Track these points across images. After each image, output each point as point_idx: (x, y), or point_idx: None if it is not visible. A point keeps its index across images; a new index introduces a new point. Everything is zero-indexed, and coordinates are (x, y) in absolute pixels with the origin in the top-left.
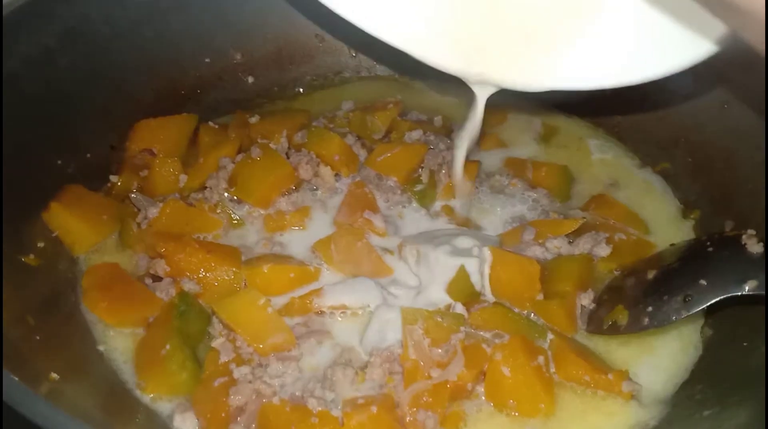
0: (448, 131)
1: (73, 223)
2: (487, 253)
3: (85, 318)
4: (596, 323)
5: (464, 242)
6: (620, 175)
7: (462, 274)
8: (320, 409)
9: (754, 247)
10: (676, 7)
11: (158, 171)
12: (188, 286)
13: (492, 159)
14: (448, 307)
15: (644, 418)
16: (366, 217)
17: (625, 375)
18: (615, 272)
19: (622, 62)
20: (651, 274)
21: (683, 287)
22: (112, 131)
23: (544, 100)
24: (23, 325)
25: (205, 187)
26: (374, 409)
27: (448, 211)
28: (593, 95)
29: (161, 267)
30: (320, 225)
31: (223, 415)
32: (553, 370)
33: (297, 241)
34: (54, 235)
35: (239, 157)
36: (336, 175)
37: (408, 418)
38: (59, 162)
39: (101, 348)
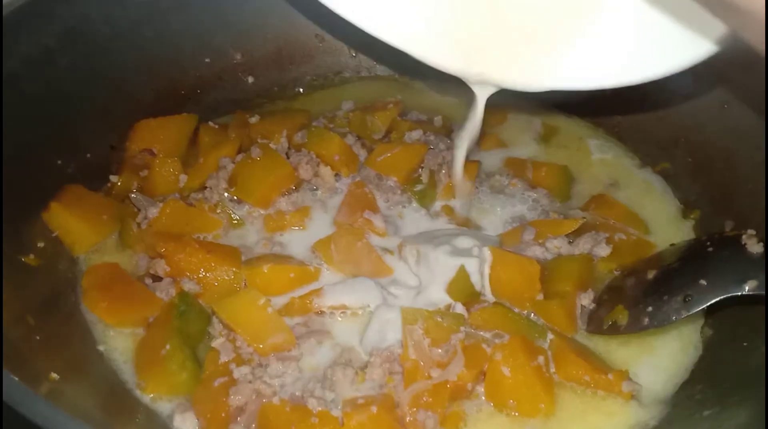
0: (448, 131)
1: (73, 223)
2: (487, 253)
3: (85, 318)
4: (596, 323)
5: (464, 242)
6: (620, 175)
7: (462, 274)
8: (320, 409)
9: (754, 247)
10: (676, 7)
11: (158, 171)
12: (188, 286)
13: (492, 159)
14: (448, 307)
15: (644, 418)
16: (366, 217)
17: (625, 375)
18: (615, 272)
19: (622, 62)
20: (651, 274)
21: (683, 287)
22: (112, 131)
23: (544, 100)
24: (23, 325)
25: (205, 187)
26: (374, 409)
27: (448, 211)
28: (593, 95)
29: (161, 267)
30: (320, 225)
31: (223, 415)
32: (553, 370)
33: (297, 241)
34: (54, 235)
35: (239, 157)
36: (336, 175)
37: (408, 418)
38: (59, 162)
39: (101, 348)
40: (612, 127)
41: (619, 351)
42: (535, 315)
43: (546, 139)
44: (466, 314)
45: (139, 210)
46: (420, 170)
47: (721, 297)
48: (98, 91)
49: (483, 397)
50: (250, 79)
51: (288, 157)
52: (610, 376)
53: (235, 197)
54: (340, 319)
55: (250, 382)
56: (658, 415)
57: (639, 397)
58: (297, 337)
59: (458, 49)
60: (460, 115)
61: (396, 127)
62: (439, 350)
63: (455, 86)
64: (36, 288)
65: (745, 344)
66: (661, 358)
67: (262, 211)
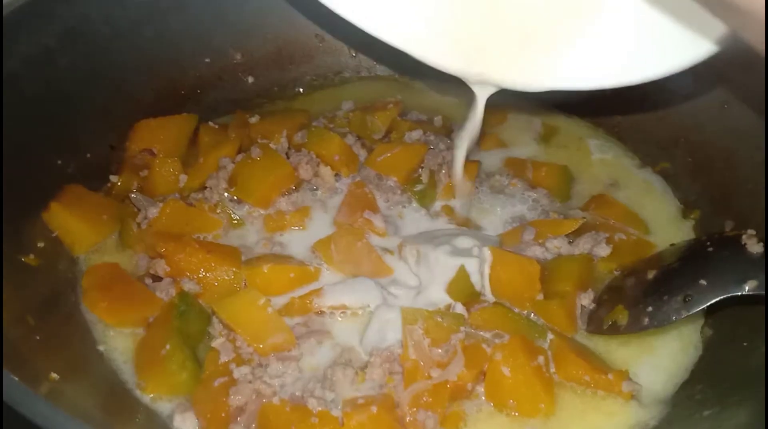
0: (448, 131)
1: (73, 223)
2: (487, 253)
3: (85, 318)
4: (596, 323)
5: (464, 242)
6: (620, 175)
7: (462, 274)
8: (320, 409)
9: (754, 247)
10: (676, 7)
11: (158, 171)
12: (188, 286)
13: (492, 159)
14: (448, 307)
15: (644, 418)
16: (366, 217)
17: (625, 375)
18: (615, 272)
19: (622, 62)
20: (651, 274)
21: (683, 287)
22: (112, 131)
23: (544, 100)
24: (23, 325)
25: (205, 187)
26: (374, 409)
27: (448, 211)
28: (593, 95)
29: (161, 267)
30: (320, 225)
31: (223, 415)
32: (553, 370)
33: (297, 241)
34: (54, 235)
35: (239, 157)
36: (336, 175)
37: (408, 418)
38: (59, 162)
39: (101, 348)
40: (612, 127)
41: (619, 351)
42: (535, 315)
43: (546, 139)
44: (466, 314)
45: (139, 210)
46: (420, 170)
47: (721, 297)
48: (98, 91)
49: (483, 397)
50: (250, 79)
51: (288, 157)
52: (610, 376)
53: (235, 197)
54: (340, 319)
55: (250, 382)
56: (658, 415)
57: (639, 397)
58: (297, 337)
59: (458, 49)
60: (460, 115)
61: (396, 127)
62: (439, 350)
63: (455, 86)
64: (36, 288)
65: (745, 344)
66: (661, 358)
67: (262, 211)
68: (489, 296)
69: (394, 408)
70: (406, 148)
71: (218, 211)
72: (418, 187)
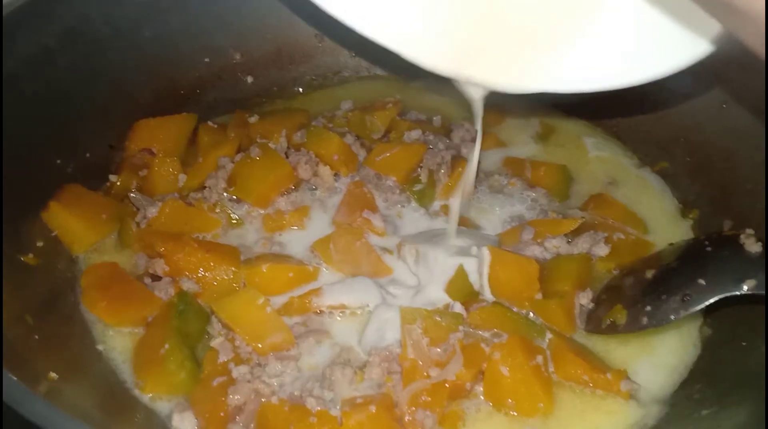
0: (447, 131)
1: (72, 223)
2: (485, 252)
3: (84, 317)
4: (595, 323)
5: (463, 242)
6: (619, 174)
7: (461, 273)
8: (319, 408)
9: (753, 247)
10: (675, 6)
11: (157, 170)
12: (187, 285)
13: (491, 158)
14: (447, 306)
15: (643, 418)
16: (365, 217)
17: (623, 374)
18: (614, 272)
19: (622, 63)
20: (650, 274)
21: (682, 287)
22: (112, 131)
23: (543, 100)
24: (22, 324)
25: (204, 187)
26: (373, 408)
27: (447, 210)
28: (592, 95)
29: (160, 266)
30: (319, 224)
31: (221, 414)
32: (551, 369)
33: (296, 241)
34: (53, 234)
35: (238, 157)
36: (335, 174)
37: (407, 418)
38: (59, 162)
39: (100, 347)
40: (611, 126)
41: (617, 350)
42: (533, 314)
43: (544, 138)
44: (464, 314)
45: (138, 209)
46: (419, 170)
47: (720, 296)
48: (98, 91)
49: (482, 397)
50: (250, 79)
51: (287, 157)
52: (608, 375)
53: (234, 197)
54: (339, 318)
55: (248, 381)
56: (656, 415)
57: (638, 396)
58: (296, 336)
59: (456, 51)
60: (459, 115)
61: (395, 126)
62: (438, 349)
63: (454, 86)
64: (35, 287)
65: (744, 344)
66: (660, 358)
67: (261, 211)
68: (488, 296)
69: (392, 407)
70: (405, 147)
71: (217, 210)
72: (417, 187)
